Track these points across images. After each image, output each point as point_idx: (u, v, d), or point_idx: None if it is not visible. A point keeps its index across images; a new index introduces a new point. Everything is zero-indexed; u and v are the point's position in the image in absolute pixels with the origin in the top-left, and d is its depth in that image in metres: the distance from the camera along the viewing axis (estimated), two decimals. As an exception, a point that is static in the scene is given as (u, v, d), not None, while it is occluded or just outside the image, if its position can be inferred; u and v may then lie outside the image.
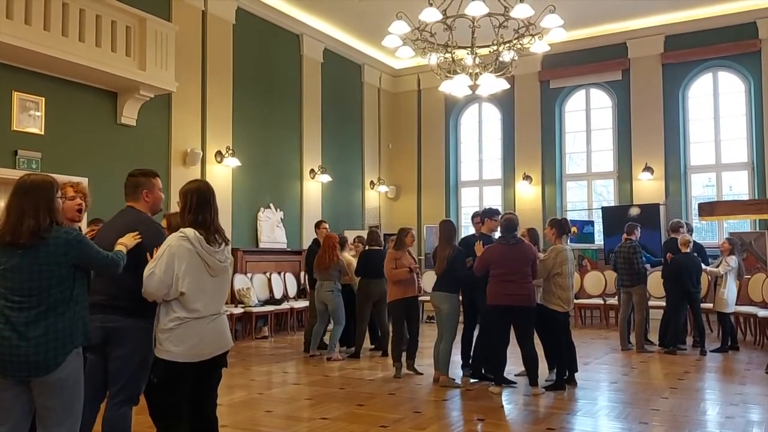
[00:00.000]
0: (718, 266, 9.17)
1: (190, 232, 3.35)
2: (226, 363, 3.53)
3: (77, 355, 3.05)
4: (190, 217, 3.42)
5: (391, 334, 7.58)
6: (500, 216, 7.02)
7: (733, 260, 9.01)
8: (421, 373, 7.15)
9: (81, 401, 3.07)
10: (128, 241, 3.40)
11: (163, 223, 4.14)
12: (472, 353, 7.01)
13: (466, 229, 12.07)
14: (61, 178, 3.53)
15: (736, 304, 9.34)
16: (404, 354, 7.32)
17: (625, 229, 9.18)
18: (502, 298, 6.28)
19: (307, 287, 9.69)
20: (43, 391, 2.95)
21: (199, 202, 3.45)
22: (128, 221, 3.56)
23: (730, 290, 8.96)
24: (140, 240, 3.44)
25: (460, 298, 6.98)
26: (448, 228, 6.91)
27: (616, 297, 10.35)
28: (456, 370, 7.11)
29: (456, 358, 7.11)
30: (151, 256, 3.36)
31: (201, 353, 3.34)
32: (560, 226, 6.86)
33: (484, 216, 7.28)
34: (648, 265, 9.08)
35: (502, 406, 5.93)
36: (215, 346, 3.41)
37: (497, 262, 6.35)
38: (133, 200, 3.70)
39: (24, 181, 3.06)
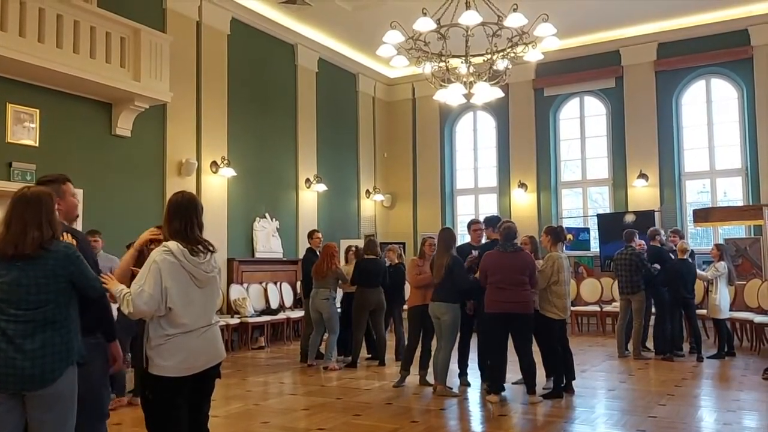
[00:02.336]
0: (707, 271, 9.18)
1: (172, 245, 3.28)
2: (219, 374, 3.49)
3: (73, 370, 3.01)
4: (168, 228, 3.37)
5: (397, 340, 7.51)
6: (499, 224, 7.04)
7: (722, 266, 9.02)
8: (431, 384, 6.97)
9: (75, 416, 3.03)
10: None
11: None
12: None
13: (463, 237, 12.06)
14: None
15: (732, 310, 9.36)
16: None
17: (624, 237, 9.17)
18: (499, 306, 6.28)
19: (302, 297, 9.67)
20: (38, 404, 2.92)
21: (174, 212, 3.37)
22: None
23: (722, 296, 8.97)
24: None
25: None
26: (447, 236, 6.90)
27: (613, 304, 10.39)
28: (453, 379, 7.10)
29: (453, 367, 7.10)
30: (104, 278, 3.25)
31: (192, 366, 3.29)
32: (556, 234, 6.86)
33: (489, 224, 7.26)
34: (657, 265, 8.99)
35: (501, 415, 5.92)
36: (207, 359, 3.36)
37: (494, 269, 6.35)
38: None
39: (25, 194, 3.04)
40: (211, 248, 3.41)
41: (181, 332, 3.24)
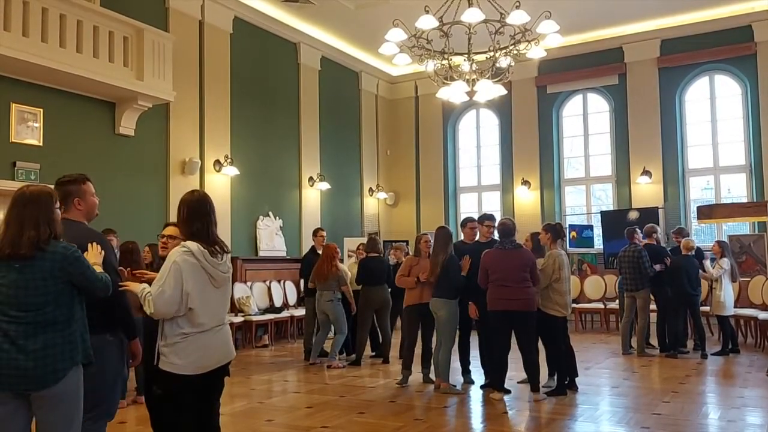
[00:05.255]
0: (713, 268, 9.15)
1: (193, 246, 3.28)
2: (228, 372, 3.51)
3: (78, 370, 3.01)
4: (186, 229, 3.37)
5: (402, 339, 7.51)
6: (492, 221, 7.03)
7: (725, 262, 9.00)
8: (433, 381, 6.96)
9: (81, 416, 3.03)
10: (96, 259, 3.21)
11: (171, 231, 4.08)
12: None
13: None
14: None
15: (736, 307, 9.33)
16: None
17: (625, 234, 9.15)
18: (500, 303, 6.26)
19: (304, 295, 9.68)
20: (43, 404, 2.92)
21: (190, 213, 3.38)
22: (72, 237, 3.23)
23: (726, 293, 8.95)
24: (102, 253, 3.28)
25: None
26: (443, 234, 6.90)
27: (617, 301, 10.35)
28: (457, 377, 7.10)
29: (456, 364, 7.10)
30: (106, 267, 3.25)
31: (206, 365, 3.31)
32: (555, 231, 6.83)
33: (484, 221, 7.16)
34: (657, 267, 8.95)
35: (504, 413, 5.92)
36: (220, 357, 3.39)
37: (494, 267, 6.34)
38: (64, 212, 3.39)
39: (23, 193, 3.02)
40: (226, 249, 3.43)
41: (198, 331, 3.27)
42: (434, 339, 7.00)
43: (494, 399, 6.29)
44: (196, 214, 3.37)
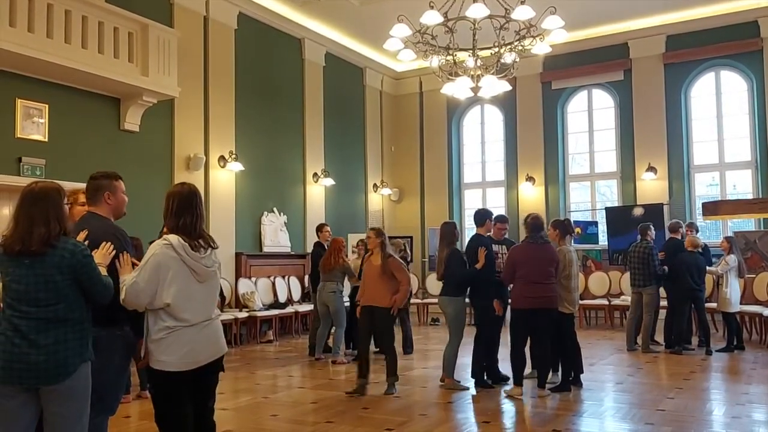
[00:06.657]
0: (718, 266, 9.13)
1: (173, 238, 3.24)
2: (222, 367, 3.47)
3: (87, 366, 3.02)
4: (172, 221, 3.32)
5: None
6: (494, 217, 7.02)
7: (732, 259, 8.98)
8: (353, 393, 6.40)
9: (89, 411, 3.05)
10: (103, 260, 3.19)
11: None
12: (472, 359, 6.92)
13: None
14: (65, 185, 3.49)
15: (741, 303, 9.31)
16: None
17: (638, 230, 9.11)
18: (528, 302, 6.18)
19: (311, 291, 9.71)
20: (53, 398, 2.94)
21: (179, 205, 3.32)
22: (95, 231, 3.28)
23: (732, 289, 8.93)
24: (114, 253, 3.25)
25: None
26: (446, 230, 6.88)
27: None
28: (461, 374, 7.10)
29: (462, 360, 7.09)
30: (119, 262, 3.25)
31: (195, 360, 3.26)
32: (564, 227, 6.83)
33: (477, 218, 6.95)
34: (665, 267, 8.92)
35: (508, 408, 5.92)
36: (209, 353, 3.33)
37: (523, 262, 6.26)
38: (93, 205, 3.43)
39: (32, 189, 3.03)
40: (212, 244, 3.38)
41: (183, 325, 3.23)
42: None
43: (513, 394, 6.22)
44: (186, 208, 3.33)
